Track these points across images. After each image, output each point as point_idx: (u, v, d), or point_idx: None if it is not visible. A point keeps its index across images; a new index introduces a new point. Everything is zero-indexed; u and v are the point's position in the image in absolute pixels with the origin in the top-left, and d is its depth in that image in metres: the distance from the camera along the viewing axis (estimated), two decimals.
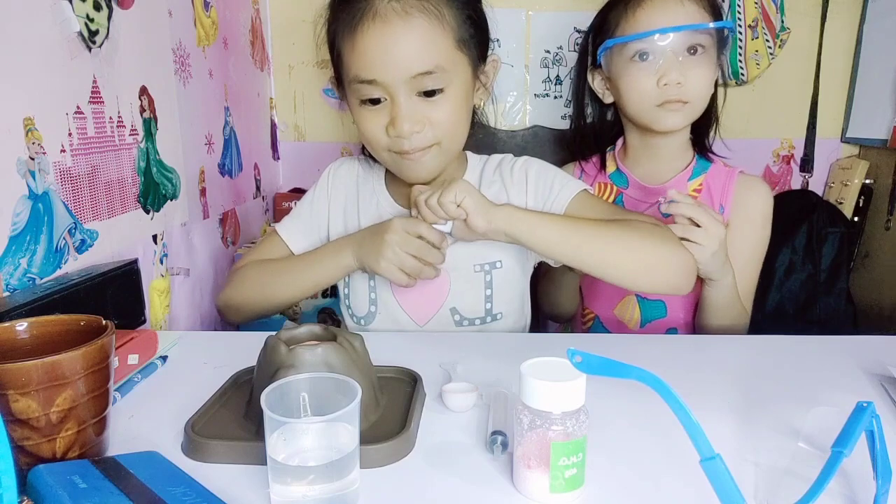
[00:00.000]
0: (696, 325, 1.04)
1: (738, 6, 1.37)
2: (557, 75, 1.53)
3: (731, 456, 0.53)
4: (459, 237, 0.83)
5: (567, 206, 0.87)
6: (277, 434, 0.45)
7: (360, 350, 0.60)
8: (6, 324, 0.54)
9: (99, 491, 0.44)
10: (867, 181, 1.46)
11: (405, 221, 0.82)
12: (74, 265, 0.78)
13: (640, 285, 0.84)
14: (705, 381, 0.69)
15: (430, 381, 0.67)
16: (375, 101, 0.81)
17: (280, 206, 1.55)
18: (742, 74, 1.41)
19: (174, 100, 1.03)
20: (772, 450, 0.55)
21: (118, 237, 0.87)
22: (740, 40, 1.38)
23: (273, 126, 1.58)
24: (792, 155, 1.56)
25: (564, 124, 1.53)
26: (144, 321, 0.89)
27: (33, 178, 0.71)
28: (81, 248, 0.80)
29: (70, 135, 0.77)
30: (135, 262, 0.86)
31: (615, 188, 1.09)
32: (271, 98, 1.57)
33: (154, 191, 0.97)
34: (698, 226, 0.86)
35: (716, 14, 0.99)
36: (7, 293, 0.68)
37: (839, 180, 1.51)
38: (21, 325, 0.55)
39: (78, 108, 0.78)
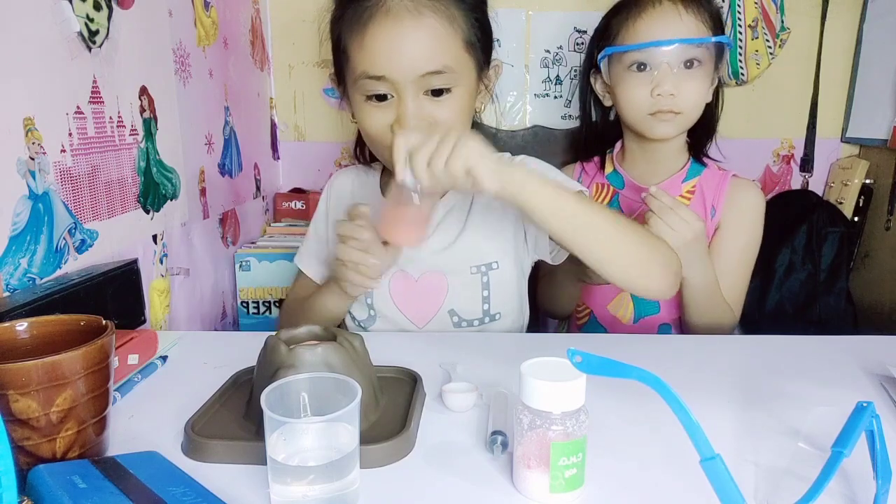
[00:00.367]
0: (681, 322, 1.06)
1: (738, 6, 1.37)
2: (557, 75, 1.53)
3: (731, 456, 0.53)
4: (432, 190, 0.70)
5: None
6: (277, 434, 0.45)
7: (360, 350, 0.60)
8: (6, 324, 0.54)
9: (99, 491, 0.44)
10: (867, 181, 1.46)
11: (337, 227, 0.81)
12: (74, 265, 0.78)
13: (635, 285, 0.83)
14: (705, 381, 0.69)
15: (430, 381, 0.67)
16: (381, 98, 0.81)
17: (280, 206, 1.55)
18: (742, 74, 1.41)
19: (174, 100, 1.03)
20: (772, 450, 0.55)
21: (118, 237, 0.87)
22: (740, 40, 1.38)
23: (273, 126, 1.58)
24: (792, 155, 1.56)
25: (564, 124, 1.53)
26: (144, 321, 0.89)
27: (33, 178, 0.71)
28: (81, 248, 0.80)
29: (70, 135, 0.77)
30: (135, 262, 0.86)
31: (611, 189, 1.13)
32: (271, 98, 1.57)
33: (154, 191, 0.97)
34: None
35: (716, 27, 1.01)
36: (7, 293, 0.68)
37: (839, 180, 1.51)
38: (21, 325, 0.55)
39: (78, 108, 0.78)
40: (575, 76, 1.51)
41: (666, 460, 0.53)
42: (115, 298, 0.79)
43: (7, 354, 0.52)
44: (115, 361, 0.54)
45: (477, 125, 0.94)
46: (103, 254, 0.84)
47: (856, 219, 1.47)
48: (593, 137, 1.20)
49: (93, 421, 0.51)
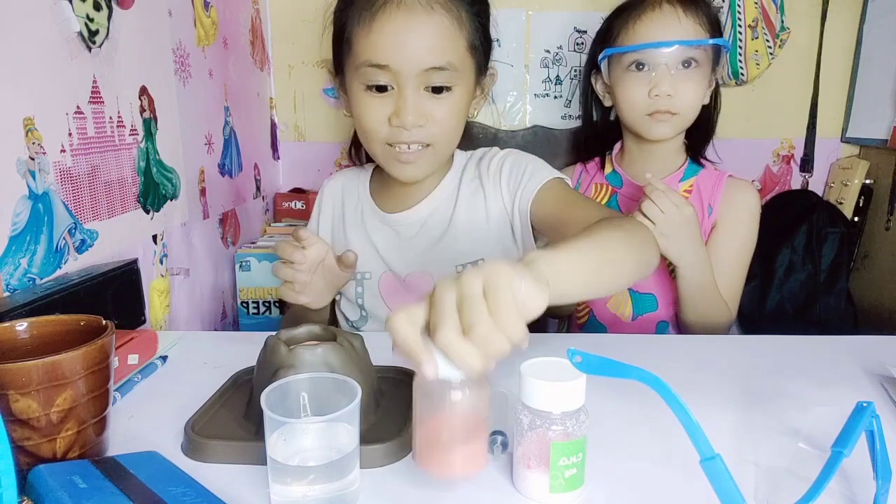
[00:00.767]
0: (678, 320, 1.07)
1: (738, 6, 1.37)
2: (557, 75, 1.52)
3: (731, 456, 0.53)
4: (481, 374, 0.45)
5: (535, 193, 0.86)
6: (277, 434, 0.45)
7: (360, 350, 0.61)
8: (6, 324, 0.54)
9: (99, 491, 0.44)
10: (867, 181, 1.46)
11: (276, 247, 0.82)
12: (74, 265, 0.78)
13: (640, 280, 0.84)
14: (705, 381, 0.69)
15: None
16: (382, 89, 0.81)
17: (280, 207, 1.55)
18: (742, 74, 1.41)
19: (174, 100, 1.03)
20: (772, 450, 0.55)
21: (118, 237, 0.87)
22: (740, 40, 1.38)
23: (273, 126, 1.58)
24: (792, 155, 1.56)
25: (564, 124, 1.53)
26: (144, 321, 0.89)
27: (33, 178, 0.71)
28: (81, 248, 0.80)
29: (70, 135, 0.77)
30: (135, 262, 0.86)
31: (610, 188, 1.15)
32: (271, 98, 1.57)
33: (154, 191, 0.97)
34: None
35: (714, 29, 1.03)
36: (7, 293, 0.68)
37: (839, 180, 1.51)
38: (21, 325, 0.55)
39: (78, 108, 0.78)
40: (575, 76, 1.51)
41: (666, 460, 0.53)
42: (115, 298, 0.79)
43: (7, 354, 0.52)
44: (115, 361, 0.54)
45: (479, 125, 0.95)
46: (103, 254, 0.84)
47: (856, 219, 1.47)
48: (594, 138, 1.22)
49: (93, 421, 0.51)
